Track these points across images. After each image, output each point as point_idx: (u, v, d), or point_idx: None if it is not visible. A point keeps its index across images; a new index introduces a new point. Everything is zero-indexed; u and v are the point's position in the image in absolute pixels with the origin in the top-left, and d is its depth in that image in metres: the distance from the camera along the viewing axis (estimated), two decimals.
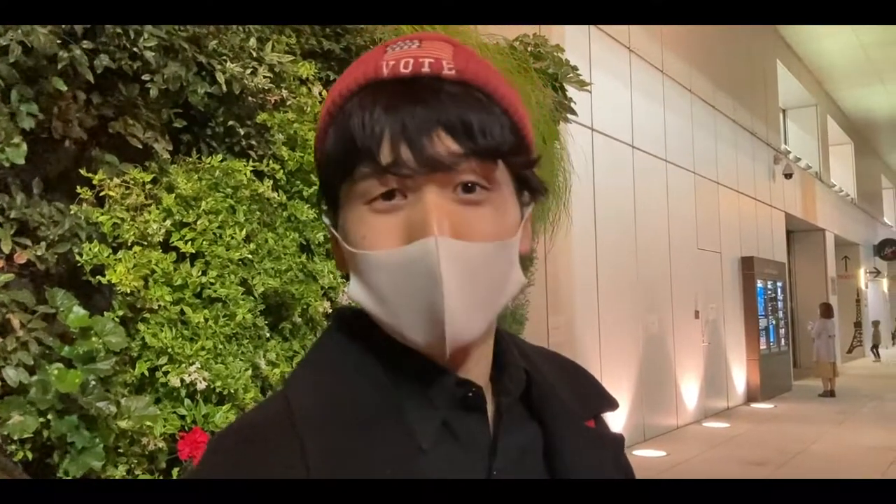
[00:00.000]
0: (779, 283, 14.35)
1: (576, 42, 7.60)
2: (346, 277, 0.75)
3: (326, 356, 0.76)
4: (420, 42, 0.72)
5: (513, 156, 0.71)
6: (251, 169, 2.73)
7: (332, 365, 0.74)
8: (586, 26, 8.23)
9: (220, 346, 2.50)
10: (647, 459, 8.02)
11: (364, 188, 0.68)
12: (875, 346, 20.81)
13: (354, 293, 0.71)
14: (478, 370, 0.74)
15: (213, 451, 0.71)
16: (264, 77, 2.74)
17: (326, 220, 0.76)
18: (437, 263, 0.64)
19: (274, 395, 0.75)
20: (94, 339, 2.20)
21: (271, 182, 2.79)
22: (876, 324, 21.20)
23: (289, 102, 2.94)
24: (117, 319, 2.34)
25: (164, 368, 2.39)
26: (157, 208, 2.51)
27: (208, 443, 0.73)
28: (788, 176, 15.22)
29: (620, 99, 9.17)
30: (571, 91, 5.16)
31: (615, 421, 8.45)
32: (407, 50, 0.71)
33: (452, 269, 0.65)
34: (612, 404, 0.87)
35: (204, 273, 2.52)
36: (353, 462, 0.65)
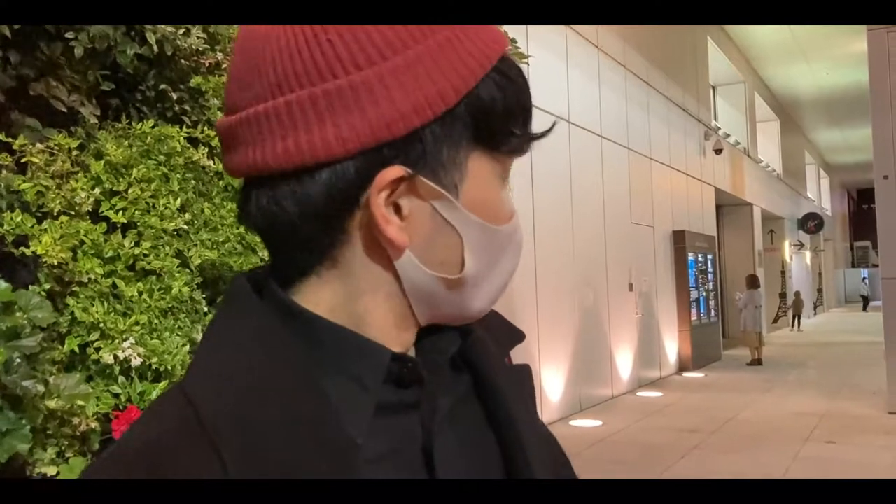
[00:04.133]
0: (709, 256, 14.71)
1: None
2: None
3: (231, 341, 0.63)
4: None
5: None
6: (185, 135, 2.60)
7: (239, 351, 0.61)
8: None
9: (156, 321, 2.38)
10: (583, 429, 8.15)
11: (510, 163, 0.69)
12: (797, 316, 21.53)
13: (477, 270, 0.67)
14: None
15: (111, 473, 0.57)
16: (198, 38, 2.61)
17: (443, 190, 0.62)
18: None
19: (170, 396, 0.61)
20: (18, 314, 2.07)
21: (206, 149, 2.67)
22: (797, 294, 21.95)
23: (224, 66, 2.81)
24: (44, 293, 2.20)
25: (95, 344, 2.27)
26: (85, 176, 2.37)
27: (93, 467, 0.60)
28: (718, 151, 15.56)
29: (557, 74, 9.18)
30: None
31: (553, 391, 8.55)
32: None
33: None
34: (520, 337, 0.85)
35: (137, 244, 2.39)
36: (282, 467, 0.56)
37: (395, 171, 0.60)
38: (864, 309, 30.58)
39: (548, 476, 0.74)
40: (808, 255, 27.10)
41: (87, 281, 2.28)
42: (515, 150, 0.67)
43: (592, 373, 9.64)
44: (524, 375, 0.81)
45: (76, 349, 2.26)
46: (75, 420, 2.16)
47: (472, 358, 0.73)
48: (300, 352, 0.62)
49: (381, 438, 0.63)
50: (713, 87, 17.73)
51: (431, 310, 0.67)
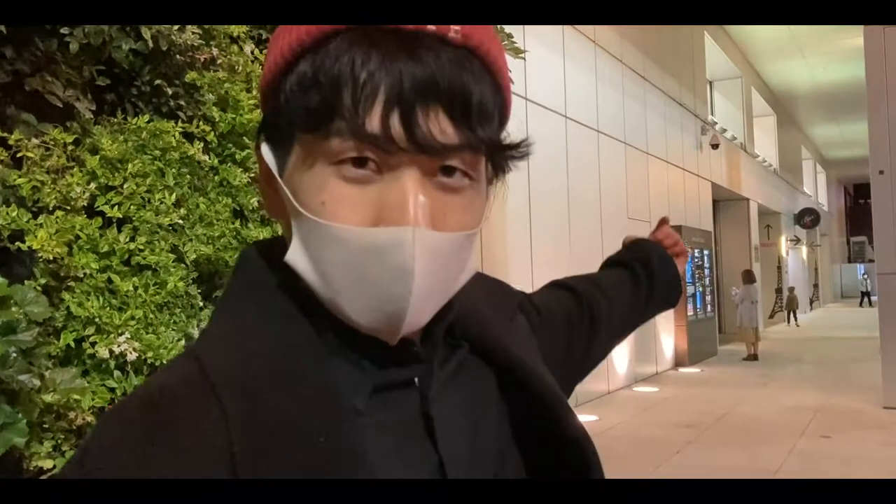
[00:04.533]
0: (705, 251, 14.72)
1: None
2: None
3: (238, 309, 0.67)
4: None
5: (507, 149, 0.65)
6: (180, 130, 2.61)
7: (246, 319, 0.65)
8: None
9: (151, 316, 2.39)
10: None
11: (335, 148, 0.59)
12: (792, 311, 21.56)
13: (296, 260, 0.63)
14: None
15: (112, 421, 0.59)
16: (193, 34, 2.61)
17: (270, 161, 0.65)
18: (411, 258, 0.58)
19: (180, 357, 0.64)
20: (14, 308, 2.08)
21: (202, 144, 2.68)
22: (791, 289, 21.97)
23: (219, 61, 2.82)
24: (39, 288, 2.21)
25: (91, 339, 2.28)
26: (81, 171, 2.37)
27: (104, 413, 0.62)
28: (715, 146, 15.57)
29: (553, 70, 9.18)
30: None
31: None
32: None
33: (423, 263, 0.59)
34: (518, 296, 0.90)
35: (132, 239, 2.40)
36: (282, 428, 0.57)
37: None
38: (862, 304, 30.52)
39: (579, 427, 0.76)
40: (804, 250, 27.14)
41: (82, 276, 2.29)
42: (314, 126, 0.60)
43: None
44: (517, 321, 0.86)
45: (72, 344, 2.27)
46: (71, 414, 2.17)
47: (467, 332, 0.75)
48: (304, 330, 0.64)
49: (383, 409, 0.65)
50: (710, 83, 17.74)
51: (331, 309, 0.64)
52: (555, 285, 1.09)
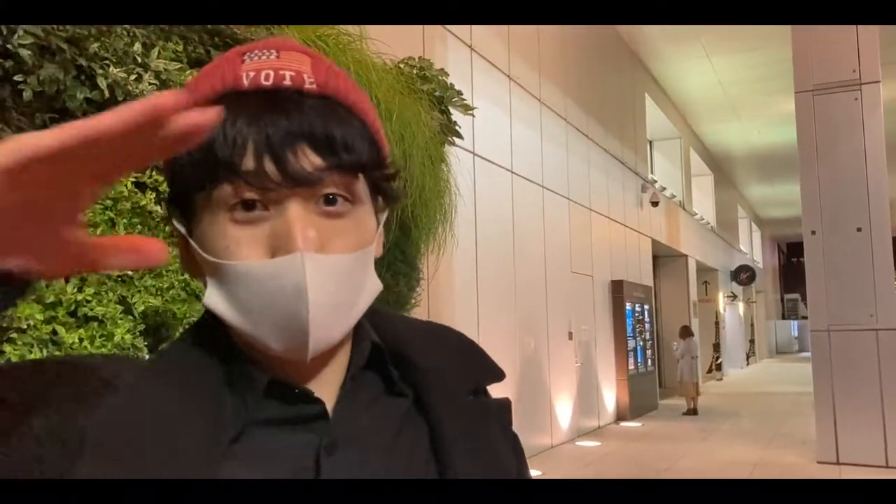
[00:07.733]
0: (646, 306, 14.98)
1: (458, 68, 7.71)
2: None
3: (169, 351, 0.76)
4: (278, 52, 0.73)
5: (375, 169, 0.74)
6: (132, 180, 2.58)
7: (169, 356, 0.75)
8: (468, 52, 8.38)
9: None
10: None
11: (224, 197, 0.68)
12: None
13: (213, 302, 0.71)
14: (332, 374, 0.75)
15: None
16: (150, 84, 2.60)
17: (179, 226, 0.73)
18: (302, 278, 0.66)
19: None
20: None
21: (154, 195, 2.65)
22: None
23: None
24: None
25: None
26: None
27: None
28: (655, 204, 15.98)
29: (500, 125, 9.37)
30: (454, 115, 5.23)
31: None
32: (266, 61, 0.71)
33: (316, 283, 0.66)
34: (497, 375, 0.92)
35: (79, 290, 2.35)
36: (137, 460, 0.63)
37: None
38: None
39: None
40: (741, 306, 27.80)
41: (25, 327, 2.22)
42: (203, 183, 0.68)
43: (533, 422, 9.66)
44: (492, 410, 0.87)
45: None
46: None
47: (415, 386, 0.79)
48: (211, 364, 0.72)
49: (274, 446, 0.70)
50: (650, 142, 18.27)
51: (254, 343, 0.71)
52: None
